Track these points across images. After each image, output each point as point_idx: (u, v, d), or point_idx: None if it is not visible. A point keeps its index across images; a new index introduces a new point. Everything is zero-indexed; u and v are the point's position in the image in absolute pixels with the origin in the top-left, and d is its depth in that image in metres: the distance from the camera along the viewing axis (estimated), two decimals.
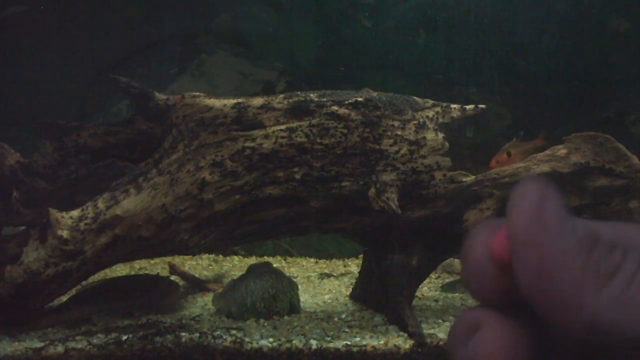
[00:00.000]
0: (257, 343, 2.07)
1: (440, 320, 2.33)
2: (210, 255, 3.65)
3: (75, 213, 2.07)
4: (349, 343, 2.08)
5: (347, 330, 2.22)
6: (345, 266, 3.55)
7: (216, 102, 2.18)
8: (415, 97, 2.35)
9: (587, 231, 0.33)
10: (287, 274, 2.68)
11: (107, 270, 2.56)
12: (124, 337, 2.06)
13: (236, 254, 3.70)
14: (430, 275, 2.72)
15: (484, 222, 0.37)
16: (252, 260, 3.56)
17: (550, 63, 3.99)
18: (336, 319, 2.37)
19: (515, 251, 0.33)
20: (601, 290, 0.31)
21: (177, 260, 3.20)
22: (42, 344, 2.02)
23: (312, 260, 3.69)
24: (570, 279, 0.31)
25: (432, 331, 2.18)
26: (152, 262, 3.31)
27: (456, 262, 3.44)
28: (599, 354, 0.32)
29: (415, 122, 2.27)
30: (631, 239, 0.33)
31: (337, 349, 2.05)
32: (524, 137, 2.87)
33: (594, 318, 0.31)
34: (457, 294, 2.79)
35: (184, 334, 2.11)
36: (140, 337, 2.06)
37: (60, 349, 2.00)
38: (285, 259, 3.69)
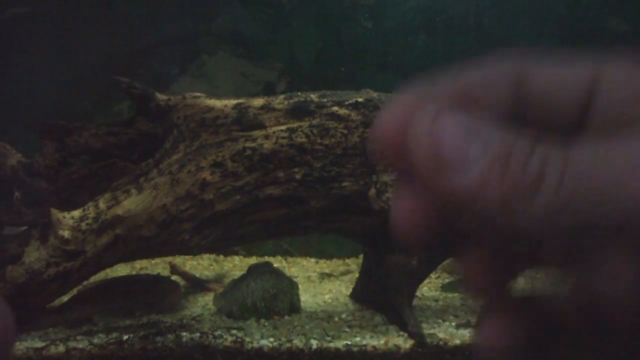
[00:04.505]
0: (258, 343, 2.08)
1: (440, 320, 2.34)
2: (211, 255, 3.65)
3: (77, 213, 2.08)
4: (349, 343, 2.08)
5: (347, 330, 2.23)
6: (345, 266, 3.56)
7: (217, 103, 2.19)
8: None
9: (505, 135, 0.30)
10: (288, 274, 2.69)
11: (108, 270, 2.56)
12: (125, 337, 2.06)
13: (237, 254, 3.70)
14: (430, 275, 2.73)
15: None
16: (253, 260, 3.56)
17: None
18: (336, 318, 2.37)
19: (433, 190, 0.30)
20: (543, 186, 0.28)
21: (178, 260, 3.21)
22: (43, 344, 2.03)
23: (313, 260, 3.69)
24: (503, 193, 0.28)
25: (432, 331, 2.19)
26: (153, 262, 3.31)
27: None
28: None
29: None
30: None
31: (338, 349, 2.05)
32: None
33: (547, 211, 0.28)
34: (457, 294, 2.80)
35: (184, 333, 2.11)
36: (141, 337, 2.06)
37: (61, 348, 2.01)
38: (285, 259, 3.69)
